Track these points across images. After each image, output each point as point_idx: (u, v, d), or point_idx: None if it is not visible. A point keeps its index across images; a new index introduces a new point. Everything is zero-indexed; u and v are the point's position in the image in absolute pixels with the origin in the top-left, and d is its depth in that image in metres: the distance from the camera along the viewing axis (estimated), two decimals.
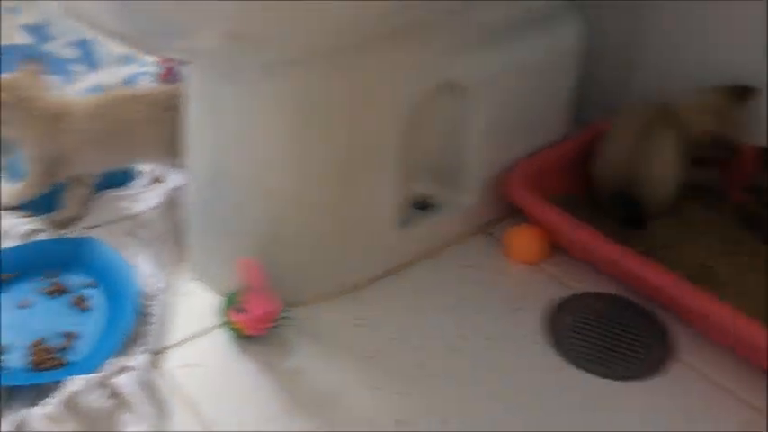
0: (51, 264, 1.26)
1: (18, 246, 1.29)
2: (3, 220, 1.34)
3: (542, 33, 1.37)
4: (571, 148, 1.45)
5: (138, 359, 1.08)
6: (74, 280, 1.25)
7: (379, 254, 1.29)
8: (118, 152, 1.39)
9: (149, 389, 1.05)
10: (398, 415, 1.05)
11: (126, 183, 1.48)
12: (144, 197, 1.43)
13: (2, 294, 1.21)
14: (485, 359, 1.15)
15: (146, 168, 1.48)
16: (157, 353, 1.12)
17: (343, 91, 1.14)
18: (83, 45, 1.67)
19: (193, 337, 1.17)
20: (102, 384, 1.03)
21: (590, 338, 1.18)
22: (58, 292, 1.22)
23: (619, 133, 1.39)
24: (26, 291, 1.22)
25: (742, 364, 1.12)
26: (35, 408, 1.00)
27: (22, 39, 1.63)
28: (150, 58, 1.65)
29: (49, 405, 1.00)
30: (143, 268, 1.26)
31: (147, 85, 1.62)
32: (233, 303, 1.14)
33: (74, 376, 1.04)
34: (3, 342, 1.12)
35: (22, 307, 1.19)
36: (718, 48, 1.45)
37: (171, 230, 1.34)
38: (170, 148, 1.32)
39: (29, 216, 1.36)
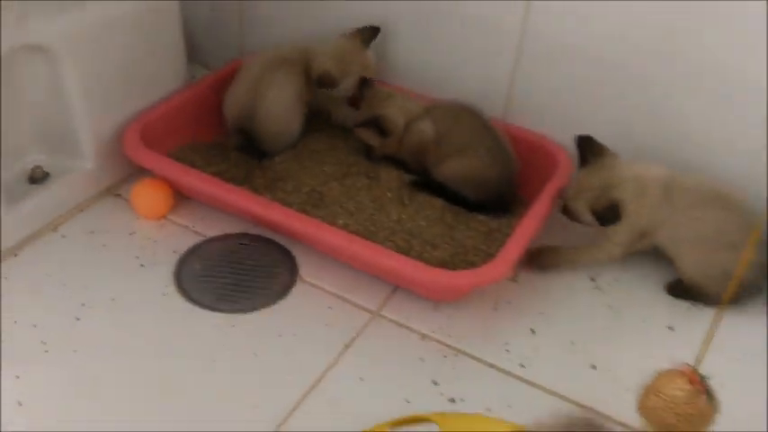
0: None
1: None
2: None
3: None
4: (191, 96, 1.46)
5: None
6: None
7: None
8: None
9: None
10: (19, 397, 1.01)
11: None
12: None
13: None
14: (112, 321, 1.13)
15: None
16: None
17: None
18: None
19: None
20: None
21: (219, 279, 1.21)
22: None
23: (241, 76, 1.43)
24: None
25: (357, 274, 1.23)
26: None
27: None
28: None
29: None
30: None
31: None
32: None
33: None
34: None
35: None
36: None
37: None
38: None
39: None
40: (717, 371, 0.86)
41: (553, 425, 0.71)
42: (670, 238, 1.22)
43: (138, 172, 1.38)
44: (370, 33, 1.45)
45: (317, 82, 1.41)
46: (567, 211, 1.28)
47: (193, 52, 1.65)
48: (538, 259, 1.28)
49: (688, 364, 0.84)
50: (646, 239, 1.24)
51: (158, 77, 1.43)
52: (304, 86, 1.43)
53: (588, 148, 1.25)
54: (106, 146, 1.34)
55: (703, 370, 0.85)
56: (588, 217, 1.24)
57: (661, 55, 1.26)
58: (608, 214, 1.21)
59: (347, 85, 1.44)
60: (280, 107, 1.40)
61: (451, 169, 1.34)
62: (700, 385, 0.83)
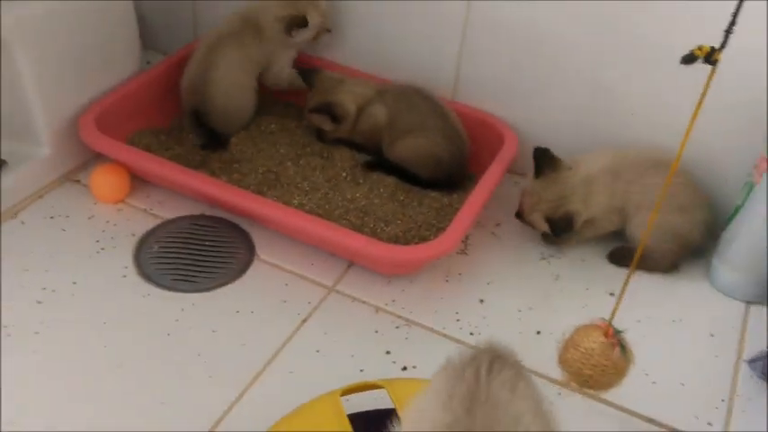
0: None
1: None
2: None
3: None
4: (146, 82, 1.47)
5: None
6: None
7: None
8: None
9: None
10: None
11: None
12: None
13: None
14: (73, 304, 1.16)
15: None
16: None
17: None
18: None
19: None
20: None
21: (178, 260, 1.25)
22: None
23: (193, 56, 1.45)
24: None
25: (313, 251, 1.27)
26: None
27: None
28: None
29: None
30: None
31: None
32: None
33: None
34: None
35: None
36: None
37: None
38: None
39: None
40: (636, 328, 0.91)
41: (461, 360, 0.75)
42: (630, 207, 1.28)
43: (95, 157, 1.40)
44: None
45: (286, 27, 1.44)
46: (522, 220, 1.32)
47: (148, 38, 1.67)
48: (549, 239, 1.34)
49: (603, 319, 0.90)
50: (624, 217, 1.30)
51: (113, 63, 1.45)
52: (254, 57, 1.45)
53: (544, 160, 1.27)
54: (63, 132, 1.36)
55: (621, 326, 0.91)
56: (544, 226, 1.29)
57: (605, 32, 1.30)
58: (562, 224, 1.26)
59: (306, 35, 1.46)
60: (228, 83, 1.42)
61: (404, 149, 1.38)
62: (613, 338, 0.89)
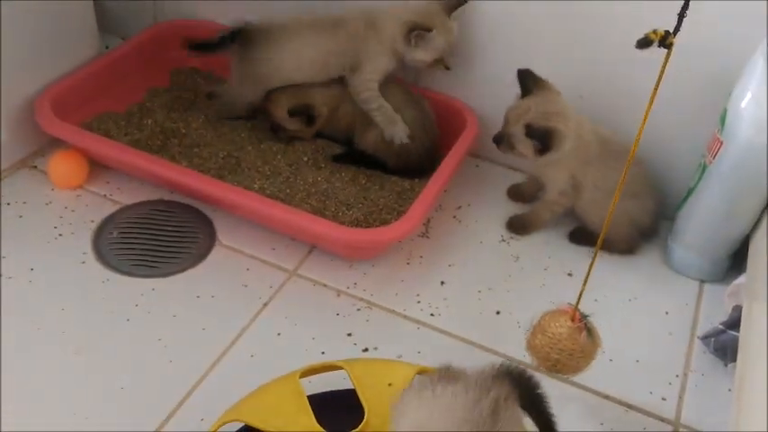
0: None
1: None
2: None
3: None
4: (104, 66, 1.46)
5: None
6: None
7: None
8: None
9: None
10: None
11: None
12: None
13: None
14: (32, 290, 1.15)
15: None
16: None
17: None
18: None
19: None
20: None
21: (137, 246, 1.24)
22: None
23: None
24: None
25: (274, 236, 1.27)
26: None
27: None
28: None
29: None
30: None
31: None
32: None
33: None
34: None
35: None
36: None
37: None
38: None
39: None
40: (594, 307, 0.93)
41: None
42: (591, 187, 1.28)
43: (53, 143, 1.38)
44: (455, 3, 1.34)
45: (408, 32, 1.31)
46: (501, 138, 1.27)
47: (107, 22, 1.65)
48: (513, 227, 1.35)
49: (570, 304, 0.92)
50: (578, 193, 1.29)
51: (70, 47, 1.43)
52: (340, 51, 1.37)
53: (530, 80, 1.25)
54: (18, 118, 1.34)
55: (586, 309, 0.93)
56: (522, 143, 1.24)
57: (566, 17, 1.30)
58: (542, 136, 1.21)
59: (424, 55, 1.33)
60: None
61: (374, 139, 1.38)
62: (580, 323, 0.90)
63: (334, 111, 1.40)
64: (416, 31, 1.30)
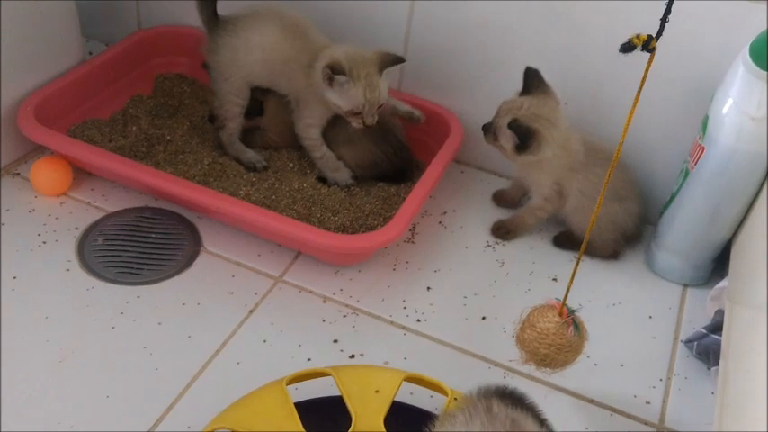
0: None
1: None
2: None
3: None
4: (88, 72, 1.45)
5: None
6: None
7: None
8: None
9: None
10: None
11: None
12: None
13: None
14: (16, 298, 1.14)
15: None
16: None
17: None
18: None
19: None
20: None
21: (122, 253, 1.23)
22: None
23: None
24: None
25: (260, 242, 1.27)
26: None
27: None
28: None
29: None
30: None
31: None
32: None
33: None
34: None
35: None
36: None
37: None
38: None
39: None
40: (578, 311, 0.94)
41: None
42: (577, 193, 1.29)
43: (36, 149, 1.38)
44: (391, 60, 1.27)
45: (328, 74, 1.23)
46: (488, 127, 1.28)
47: (90, 28, 1.64)
48: (498, 232, 1.35)
49: (558, 299, 0.92)
50: (563, 199, 1.30)
51: (53, 54, 1.42)
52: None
53: (535, 80, 1.25)
54: (1, 125, 1.33)
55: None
56: (504, 135, 1.25)
57: (546, 24, 1.32)
58: (523, 134, 1.22)
59: (340, 101, 1.25)
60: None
61: (344, 157, 1.38)
62: (567, 318, 0.91)
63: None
64: (328, 72, 1.23)
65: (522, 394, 0.88)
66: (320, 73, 1.24)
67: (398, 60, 1.27)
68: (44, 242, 1.24)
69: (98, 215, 1.30)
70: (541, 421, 0.87)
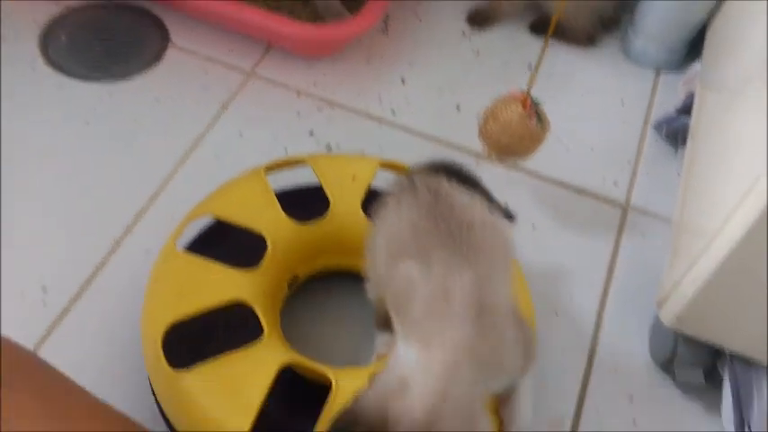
0: None
1: None
2: None
3: None
4: None
5: None
6: None
7: None
8: None
9: None
10: None
11: None
12: None
13: None
14: None
15: None
16: None
17: None
18: None
19: None
20: None
21: (89, 49, 1.19)
22: None
23: None
24: None
25: (229, 36, 1.24)
26: None
27: None
28: None
29: None
30: None
31: None
32: None
33: None
34: None
35: None
36: None
37: None
38: None
39: None
40: (552, 98, 0.95)
41: None
42: None
43: None
44: None
45: None
46: None
47: None
48: (475, 20, 1.32)
49: (521, 90, 0.92)
50: None
51: None
52: None
53: None
54: None
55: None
56: None
57: None
58: None
59: None
60: None
61: None
62: (531, 109, 0.92)
63: None
64: None
65: (472, 174, 0.84)
66: None
67: None
68: (5, 39, 1.19)
69: (58, 9, 1.24)
70: (489, 200, 0.85)
